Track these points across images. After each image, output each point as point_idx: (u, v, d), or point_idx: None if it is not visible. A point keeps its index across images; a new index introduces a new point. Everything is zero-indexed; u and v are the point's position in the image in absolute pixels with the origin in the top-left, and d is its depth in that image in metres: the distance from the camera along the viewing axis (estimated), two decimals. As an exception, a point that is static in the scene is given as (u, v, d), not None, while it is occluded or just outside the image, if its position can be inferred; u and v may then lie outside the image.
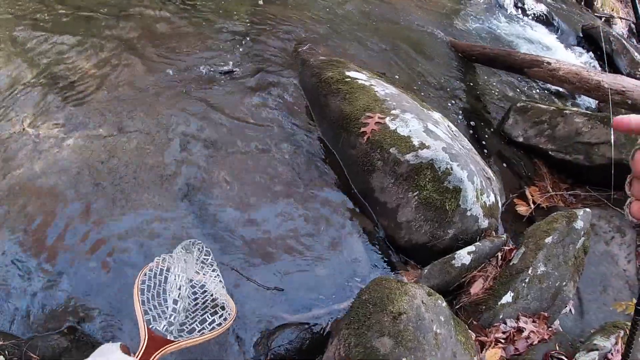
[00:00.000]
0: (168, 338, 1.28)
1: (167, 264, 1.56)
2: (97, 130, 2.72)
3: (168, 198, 2.47)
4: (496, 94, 4.25)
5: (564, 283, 2.30)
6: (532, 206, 3.19)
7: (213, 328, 1.45)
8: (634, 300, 2.63)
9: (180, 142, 2.74)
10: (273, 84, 3.28)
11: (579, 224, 2.40)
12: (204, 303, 1.60)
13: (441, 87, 3.95)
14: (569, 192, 3.46)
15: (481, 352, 1.98)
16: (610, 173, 3.36)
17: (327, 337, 2.07)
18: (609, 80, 3.46)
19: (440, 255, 2.34)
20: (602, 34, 5.97)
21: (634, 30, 7.37)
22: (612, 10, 7.22)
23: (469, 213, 2.40)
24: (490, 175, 2.80)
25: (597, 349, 2.03)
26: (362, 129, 2.68)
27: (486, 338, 2.03)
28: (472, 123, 3.72)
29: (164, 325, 1.36)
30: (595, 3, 7.24)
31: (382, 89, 2.99)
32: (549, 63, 3.81)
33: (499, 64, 4.21)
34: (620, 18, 6.96)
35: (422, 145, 2.51)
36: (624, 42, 5.91)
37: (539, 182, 3.51)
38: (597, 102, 4.74)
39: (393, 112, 2.73)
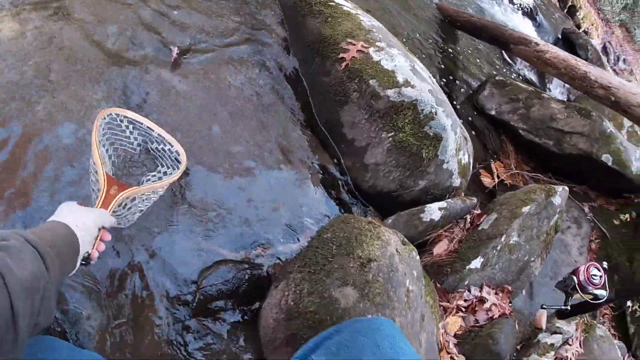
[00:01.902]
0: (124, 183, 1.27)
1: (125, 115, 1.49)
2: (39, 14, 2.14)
3: (105, 95, 1.97)
4: (474, 65, 4.02)
5: (532, 259, 2.09)
6: (496, 180, 3.02)
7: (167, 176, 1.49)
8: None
9: (129, 40, 2.20)
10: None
11: (557, 200, 2.20)
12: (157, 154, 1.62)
13: (419, 44, 3.64)
14: (530, 174, 3.32)
15: (443, 318, 1.71)
16: (579, 165, 3.25)
17: (269, 281, 1.73)
18: (597, 73, 3.30)
19: (405, 208, 2.05)
20: (580, 40, 5.94)
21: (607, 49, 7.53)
22: (592, 25, 7.25)
23: (445, 166, 2.12)
24: (466, 135, 2.55)
25: (560, 333, 1.83)
26: (342, 55, 2.29)
27: (448, 304, 1.77)
28: (446, 87, 3.46)
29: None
30: (577, 14, 7.24)
31: (369, 19, 2.61)
32: (537, 44, 3.60)
33: (484, 35, 3.95)
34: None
35: (407, 83, 2.18)
36: (600, 54, 5.89)
37: (504, 159, 3.35)
38: (567, 94, 4.67)
39: (378, 44, 2.37)
